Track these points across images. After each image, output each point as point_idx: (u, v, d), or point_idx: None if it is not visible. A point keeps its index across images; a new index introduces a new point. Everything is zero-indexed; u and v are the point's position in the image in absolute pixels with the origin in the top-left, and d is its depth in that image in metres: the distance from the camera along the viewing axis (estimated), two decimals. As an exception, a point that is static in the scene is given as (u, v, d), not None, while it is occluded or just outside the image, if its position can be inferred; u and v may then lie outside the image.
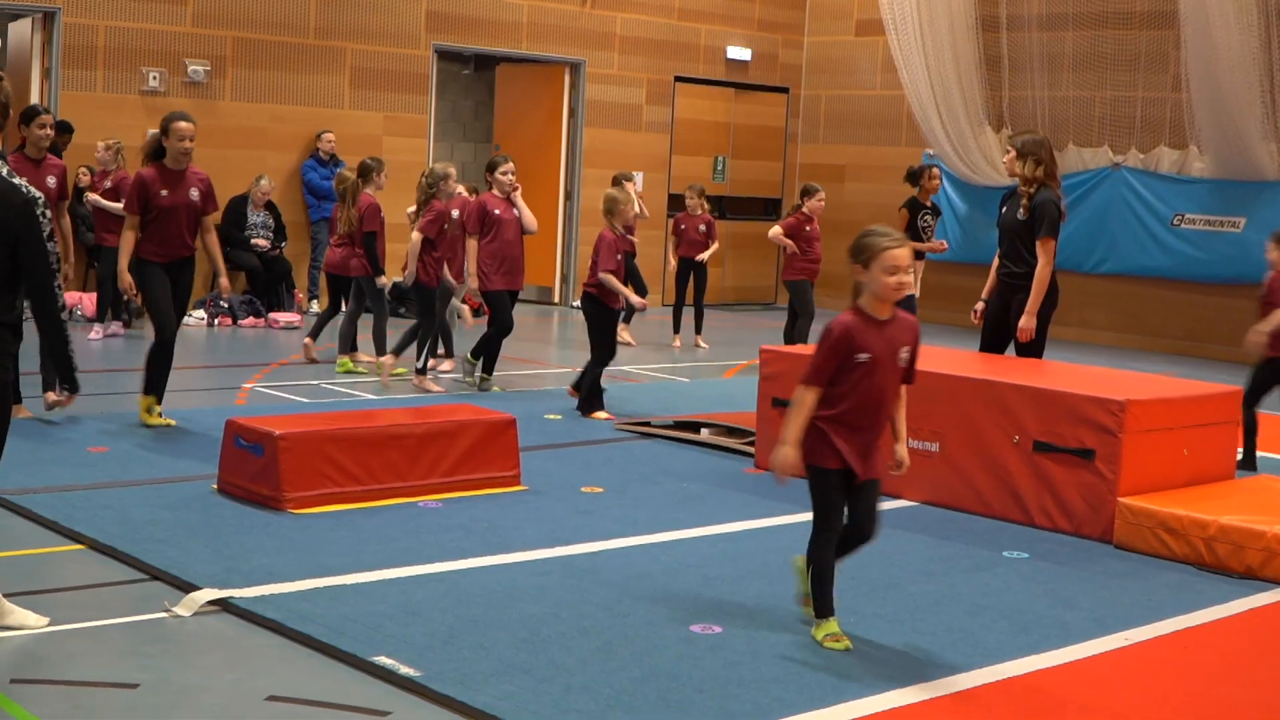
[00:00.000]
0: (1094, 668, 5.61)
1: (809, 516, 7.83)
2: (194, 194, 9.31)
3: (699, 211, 15.28)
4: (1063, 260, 17.99)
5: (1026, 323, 9.06)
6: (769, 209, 20.76)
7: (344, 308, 12.36)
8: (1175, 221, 16.91)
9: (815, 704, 4.99)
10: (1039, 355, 9.15)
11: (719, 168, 20.31)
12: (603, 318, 10.60)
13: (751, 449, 9.15)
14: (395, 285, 13.97)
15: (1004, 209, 9.45)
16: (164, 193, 9.19)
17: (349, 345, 12.17)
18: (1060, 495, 7.70)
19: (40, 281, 5.27)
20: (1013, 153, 9.29)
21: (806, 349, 9.46)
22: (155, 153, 9.37)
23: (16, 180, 5.25)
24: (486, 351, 11.47)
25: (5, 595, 5.45)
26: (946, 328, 18.50)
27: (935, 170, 13.96)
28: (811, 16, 21.04)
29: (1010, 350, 9.43)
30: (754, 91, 20.66)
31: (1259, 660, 5.87)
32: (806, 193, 13.47)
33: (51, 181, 9.59)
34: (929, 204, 13.84)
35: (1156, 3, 17.18)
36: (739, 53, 20.34)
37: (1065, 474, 7.67)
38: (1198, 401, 8.12)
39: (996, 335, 9.48)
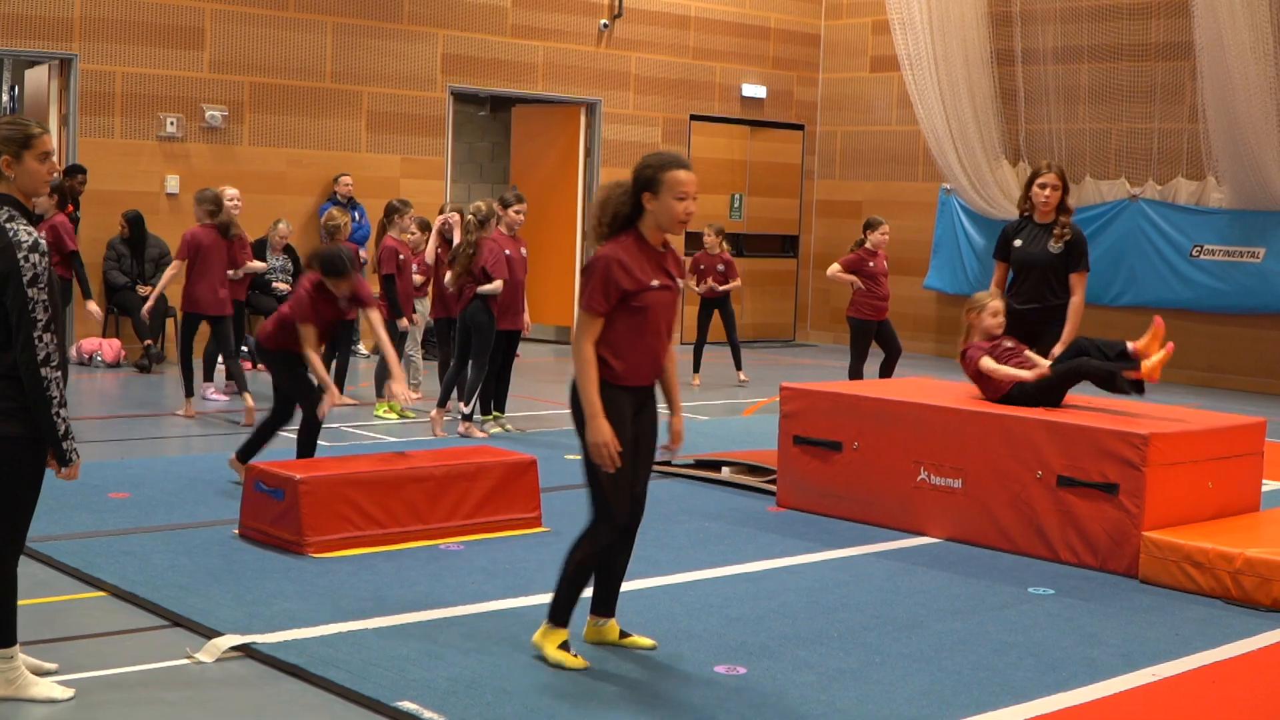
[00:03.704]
0: (1123, 705, 5.56)
1: (832, 555, 7.84)
2: None
3: (717, 250, 15.25)
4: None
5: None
6: (786, 246, 20.76)
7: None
8: (1194, 252, 16.86)
9: (842, 745, 4.96)
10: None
11: (736, 205, 20.32)
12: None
13: (773, 487, 9.12)
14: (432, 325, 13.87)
15: (1017, 242, 9.31)
16: None
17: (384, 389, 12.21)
18: (1084, 530, 7.66)
19: (17, 328, 4.92)
20: (1060, 185, 9.16)
21: (825, 386, 9.44)
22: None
23: (10, 224, 4.95)
24: (485, 395, 11.46)
25: (28, 643, 5.44)
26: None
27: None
28: (826, 53, 21.08)
29: None
30: (770, 129, 20.69)
31: (1289, 695, 5.82)
32: (869, 226, 12.95)
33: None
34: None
35: (1172, 34, 17.18)
36: (754, 90, 20.38)
37: (1089, 508, 7.63)
38: (1221, 433, 8.08)
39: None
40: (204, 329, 12.14)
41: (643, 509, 5.84)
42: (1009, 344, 8.54)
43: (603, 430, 5.53)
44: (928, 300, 19.37)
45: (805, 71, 21.00)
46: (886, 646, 6.16)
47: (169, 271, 11.93)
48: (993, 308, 8.50)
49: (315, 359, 8.42)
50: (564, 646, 5.70)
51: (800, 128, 21.04)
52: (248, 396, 11.60)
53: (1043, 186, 9.19)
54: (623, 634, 6.00)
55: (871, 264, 12.73)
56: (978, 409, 8.25)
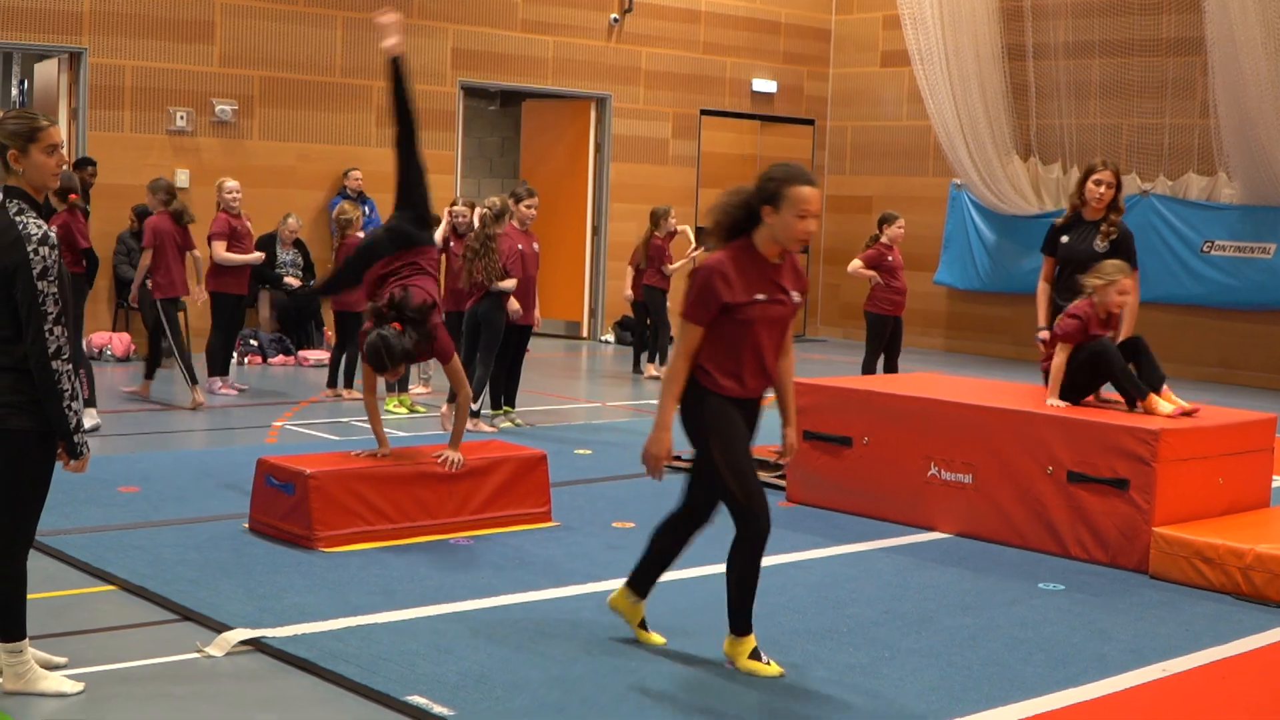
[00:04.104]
0: (1133, 701, 5.55)
1: (842, 550, 7.84)
2: None
3: None
4: (1092, 289, 18.04)
5: None
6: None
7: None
8: (1205, 248, 16.83)
9: (852, 740, 4.95)
10: None
11: (746, 200, 20.27)
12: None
13: (783, 482, 9.11)
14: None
15: (1064, 239, 9.19)
16: None
17: (403, 384, 12.22)
18: (1095, 526, 7.64)
19: (27, 321, 4.92)
20: (1114, 183, 9.09)
21: (835, 381, 9.42)
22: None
23: (19, 218, 4.95)
24: (495, 390, 11.46)
25: (37, 637, 5.44)
26: (976, 358, 18.47)
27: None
28: (836, 48, 21.06)
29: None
30: (780, 124, 20.67)
31: (1300, 691, 5.80)
32: (885, 220, 12.96)
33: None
34: None
35: (1183, 29, 17.13)
36: (765, 85, 20.36)
37: (1100, 504, 7.62)
38: (1232, 429, 8.06)
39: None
40: (216, 328, 12.16)
41: (714, 512, 5.83)
42: (1099, 328, 8.26)
43: (662, 443, 5.55)
44: (938, 296, 19.34)
45: (816, 66, 20.98)
46: (896, 641, 6.15)
47: (144, 261, 11.94)
48: (1121, 285, 8.20)
49: (372, 408, 8.09)
50: (755, 655, 5.63)
51: (811, 123, 21.02)
52: (197, 390, 11.69)
53: (1098, 183, 9.09)
54: (643, 623, 5.99)
55: (890, 258, 12.71)
56: (988, 404, 8.24)
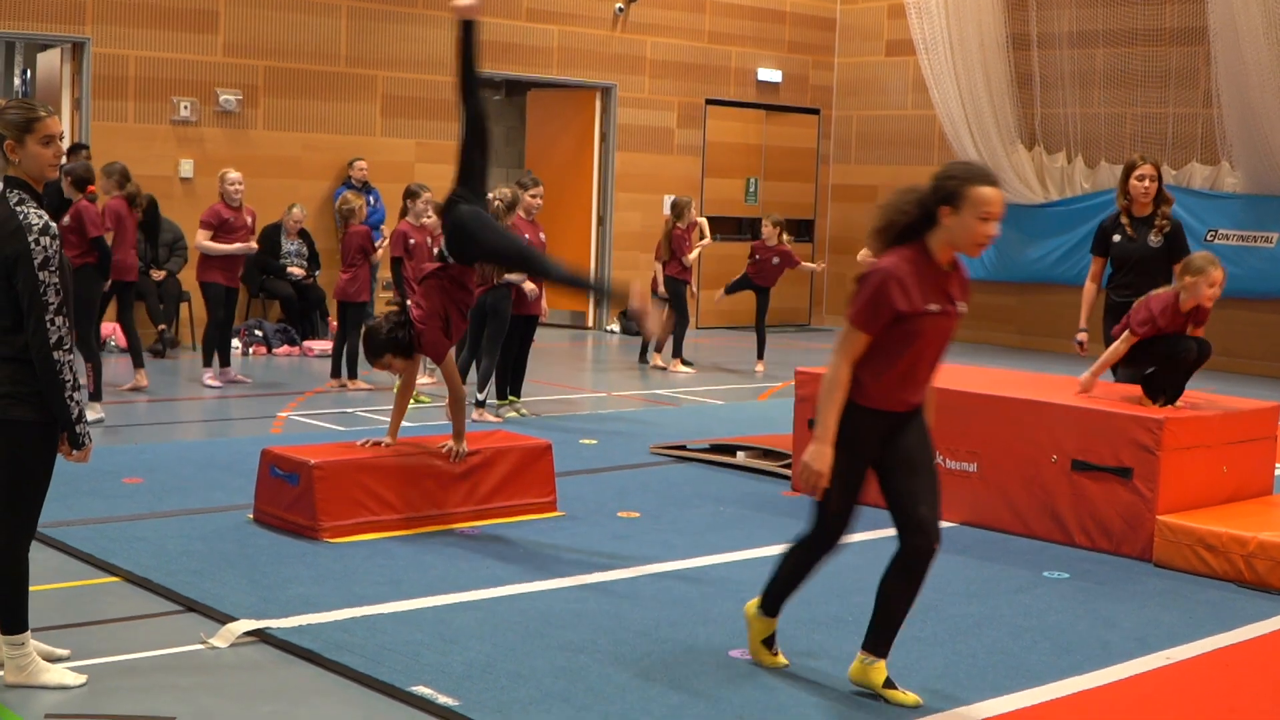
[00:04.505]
0: (1137, 688, 5.56)
1: (847, 539, 7.82)
2: None
3: (775, 241, 15.24)
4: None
5: None
6: (802, 230, 20.72)
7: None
8: (1209, 237, 16.78)
9: (856, 729, 4.95)
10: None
11: (751, 190, 20.29)
12: None
13: (788, 471, 9.11)
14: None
15: (1116, 237, 9.14)
16: None
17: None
18: (1099, 514, 7.64)
19: (28, 312, 4.91)
20: (1157, 176, 9.05)
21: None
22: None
23: (20, 208, 4.95)
24: (502, 380, 11.46)
25: (40, 629, 5.45)
26: (981, 346, 18.45)
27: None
28: (842, 38, 21.03)
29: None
30: (785, 113, 20.64)
31: (1305, 680, 5.81)
32: None
33: (65, 220, 10.41)
34: None
35: (1186, 19, 17.10)
36: (770, 74, 20.34)
37: (1104, 493, 7.62)
38: (1235, 418, 8.06)
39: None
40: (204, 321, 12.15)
41: (934, 532, 5.41)
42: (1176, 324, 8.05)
43: (823, 458, 5.13)
44: (943, 284, 19.30)
45: (821, 56, 20.95)
46: (902, 630, 6.14)
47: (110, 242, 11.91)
48: (1212, 277, 7.93)
49: (401, 400, 8.01)
50: (889, 684, 5.30)
51: (816, 112, 20.99)
52: (141, 373, 11.70)
53: (1141, 179, 9.06)
54: (767, 640, 5.66)
55: None
56: (993, 393, 8.23)
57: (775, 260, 15.22)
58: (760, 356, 15.36)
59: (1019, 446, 7.96)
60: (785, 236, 15.49)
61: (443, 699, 5.06)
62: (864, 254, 12.83)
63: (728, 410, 12.53)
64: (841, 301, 17.73)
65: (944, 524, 8.10)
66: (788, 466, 9.15)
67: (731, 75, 20.02)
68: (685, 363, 15.08)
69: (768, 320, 15.65)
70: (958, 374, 9.35)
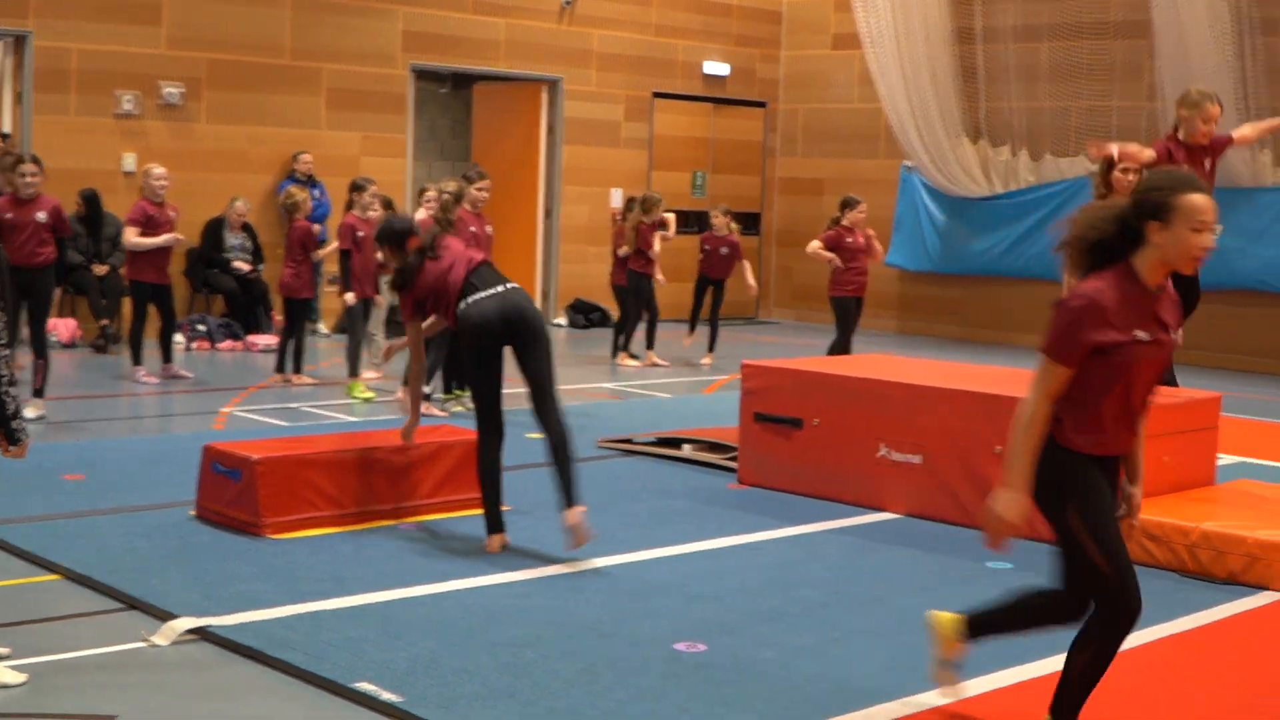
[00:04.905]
0: (1080, 679, 5.57)
1: (793, 532, 7.85)
2: None
3: (725, 232, 15.31)
4: (1041, 269, 18.16)
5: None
6: (748, 223, 20.74)
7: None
8: (1153, 229, 16.90)
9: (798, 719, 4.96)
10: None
11: (698, 183, 20.31)
12: None
13: (734, 464, 9.12)
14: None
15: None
16: None
17: (354, 368, 12.15)
18: (1044, 506, 7.67)
19: None
20: (1140, 172, 8.81)
21: (786, 363, 9.43)
22: None
23: None
24: (448, 374, 11.43)
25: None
26: (926, 338, 18.55)
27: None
28: (788, 31, 21.06)
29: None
30: (732, 106, 20.67)
31: (1245, 666, 5.84)
32: (847, 205, 13.09)
33: (41, 216, 10.66)
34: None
35: (1130, 13, 17.20)
36: (716, 68, 20.35)
37: (1048, 484, 7.64)
38: (1178, 408, 8.13)
39: None
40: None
41: (1138, 594, 4.72)
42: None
43: (1016, 506, 4.56)
44: (889, 277, 19.38)
45: (767, 49, 20.98)
46: (847, 622, 6.17)
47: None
48: (1208, 111, 8.01)
49: (413, 388, 7.88)
50: None
51: (763, 105, 21.02)
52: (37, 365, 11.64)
53: (1125, 171, 8.93)
54: (952, 664, 5.14)
55: (849, 240, 12.90)
56: (937, 385, 8.26)
57: (724, 250, 15.25)
58: (711, 349, 15.39)
59: (963, 438, 7.99)
60: (733, 226, 15.54)
61: (386, 695, 5.03)
62: (813, 246, 13.01)
63: (674, 403, 12.53)
64: (789, 295, 18.01)
65: (889, 515, 8.20)
66: (734, 459, 9.16)
67: (678, 68, 20.02)
68: (632, 356, 15.09)
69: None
70: (903, 366, 9.39)
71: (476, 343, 7.17)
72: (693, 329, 15.72)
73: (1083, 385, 4.56)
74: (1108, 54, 17.62)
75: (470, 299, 7.21)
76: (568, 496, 7.01)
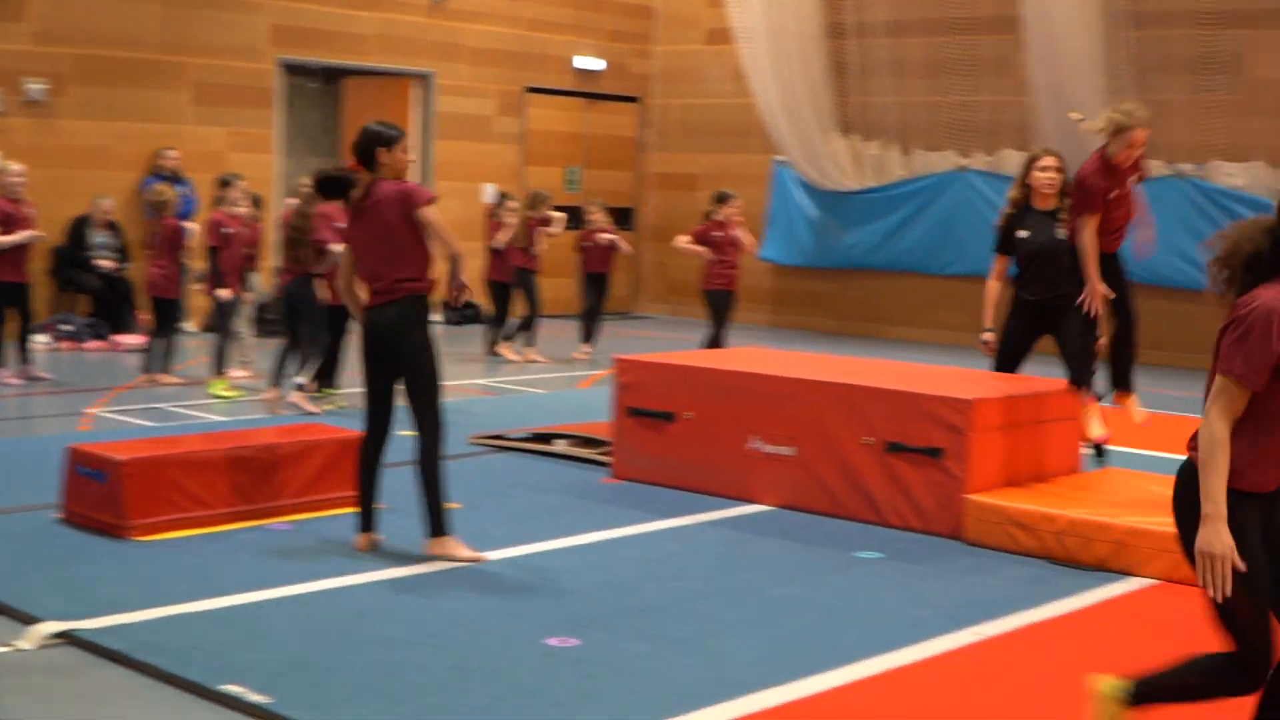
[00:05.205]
0: (948, 664, 5.66)
1: (667, 525, 7.87)
2: None
3: (603, 227, 15.50)
4: (912, 263, 18.38)
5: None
6: (622, 219, 20.75)
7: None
8: (1021, 222, 17.16)
9: (671, 712, 4.96)
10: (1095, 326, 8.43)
11: (572, 178, 20.29)
12: None
13: (607, 459, 9.12)
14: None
15: (1023, 233, 8.83)
16: None
17: (220, 365, 12.00)
18: (912, 494, 7.77)
19: None
20: (1061, 168, 8.89)
21: (658, 357, 9.45)
22: None
23: None
24: (319, 371, 11.35)
25: None
26: (800, 332, 18.68)
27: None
28: (662, 26, 21.10)
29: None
30: (605, 101, 20.67)
31: (1112, 651, 5.94)
32: (720, 199, 13.23)
33: None
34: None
35: (1000, 8, 17.41)
36: (590, 63, 20.34)
37: (916, 473, 7.75)
38: (1042, 398, 8.26)
39: (1019, 357, 9.04)
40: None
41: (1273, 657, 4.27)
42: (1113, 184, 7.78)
43: (1221, 536, 4.06)
44: (763, 271, 19.49)
45: (641, 44, 21.00)
46: (720, 614, 6.19)
47: None
48: (1133, 137, 7.80)
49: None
50: None
51: (636, 100, 21.05)
52: None
53: (1044, 170, 8.86)
54: None
55: (717, 234, 13.03)
56: (809, 377, 8.32)
57: (604, 244, 15.37)
58: (587, 341, 15.42)
59: (835, 430, 8.06)
60: (610, 221, 15.69)
61: (255, 697, 4.97)
62: (682, 240, 13.07)
63: (548, 399, 12.52)
64: (663, 289, 18.04)
65: (762, 508, 8.25)
66: (606, 454, 9.16)
67: (551, 63, 19.98)
68: (514, 349, 15.11)
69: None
70: (776, 359, 9.45)
71: (363, 338, 7.11)
72: (588, 331, 15.61)
73: (1261, 411, 4.16)
74: (977, 49, 17.85)
75: None
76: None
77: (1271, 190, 15.87)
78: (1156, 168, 16.42)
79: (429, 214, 6.89)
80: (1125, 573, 7.00)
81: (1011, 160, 17.54)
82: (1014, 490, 7.70)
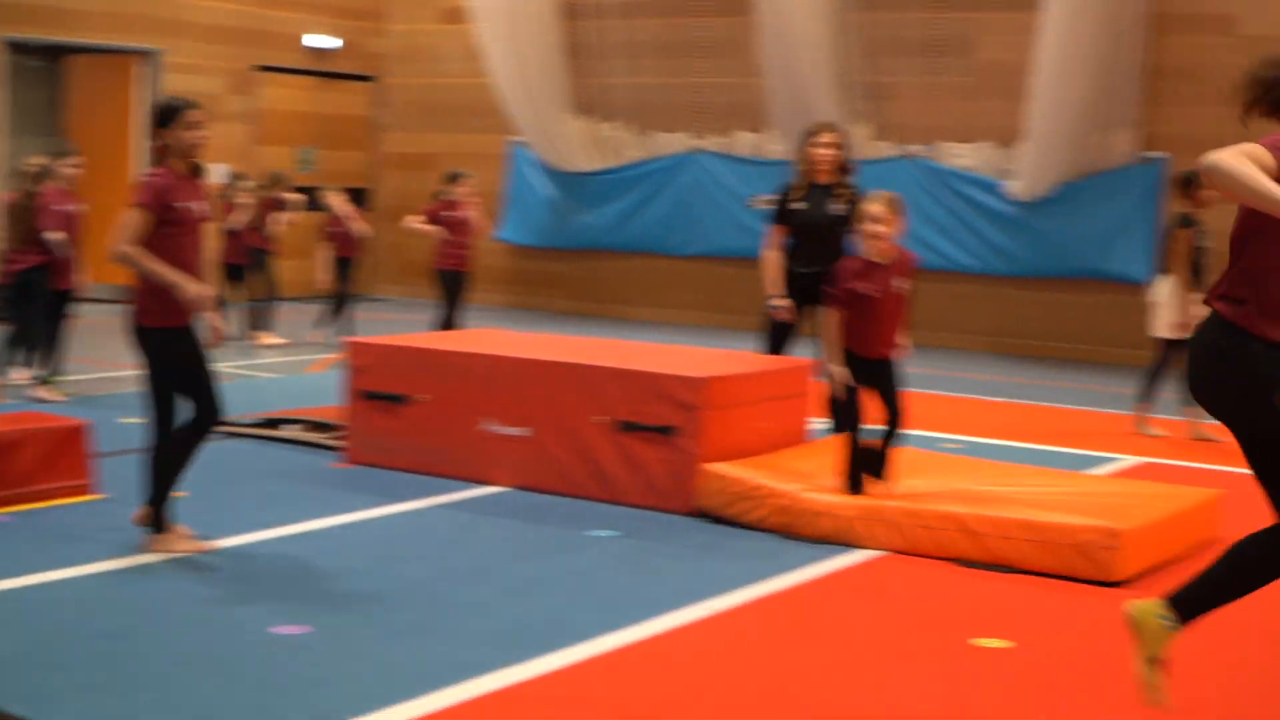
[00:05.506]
0: (680, 639, 5.72)
1: (400, 509, 7.81)
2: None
3: (344, 211, 15.43)
4: (650, 243, 18.55)
5: None
6: (357, 199, 20.48)
7: None
8: (752, 202, 17.47)
9: (401, 696, 4.91)
10: None
11: (306, 158, 19.96)
12: None
13: (339, 443, 9.00)
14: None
15: (796, 206, 9.00)
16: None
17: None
18: (646, 472, 7.84)
19: None
20: (840, 144, 9.02)
21: (390, 339, 9.36)
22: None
23: None
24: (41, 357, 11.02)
25: None
26: (538, 313, 18.72)
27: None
28: (397, 4, 20.87)
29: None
30: (340, 80, 20.38)
31: (840, 621, 6.09)
32: (451, 179, 13.25)
33: None
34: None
35: (732, -9, 17.69)
36: (324, 41, 20.02)
37: (650, 451, 7.82)
38: (772, 376, 8.43)
39: (789, 332, 9.19)
40: None
41: None
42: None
43: None
44: (501, 252, 19.47)
45: (376, 23, 20.75)
46: (452, 596, 6.16)
47: None
48: (872, 228, 7.32)
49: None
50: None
51: (372, 79, 20.79)
52: None
53: (825, 146, 8.99)
54: (1159, 659, 4.36)
55: (446, 214, 13.04)
56: (544, 358, 8.33)
57: (356, 229, 15.43)
58: (330, 325, 15.23)
59: (569, 410, 8.09)
60: (346, 204, 15.60)
61: (-37, 697, 4.78)
62: (410, 220, 12.99)
63: (275, 384, 12.31)
64: (398, 270, 17.84)
65: (497, 489, 8.23)
66: (338, 438, 9.04)
67: (284, 41, 19.61)
68: (269, 332, 14.96)
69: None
70: (511, 340, 9.45)
71: None
72: (333, 316, 15.45)
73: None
74: (711, 31, 18.10)
75: None
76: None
77: (999, 170, 16.47)
78: (886, 149, 16.92)
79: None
80: (853, 545, 7.17)
81: (744, 141, 17.86)
82: (744, 464, 7.82)
